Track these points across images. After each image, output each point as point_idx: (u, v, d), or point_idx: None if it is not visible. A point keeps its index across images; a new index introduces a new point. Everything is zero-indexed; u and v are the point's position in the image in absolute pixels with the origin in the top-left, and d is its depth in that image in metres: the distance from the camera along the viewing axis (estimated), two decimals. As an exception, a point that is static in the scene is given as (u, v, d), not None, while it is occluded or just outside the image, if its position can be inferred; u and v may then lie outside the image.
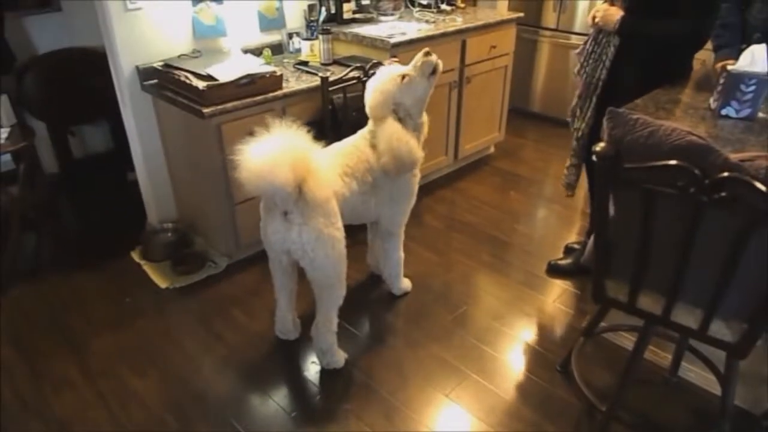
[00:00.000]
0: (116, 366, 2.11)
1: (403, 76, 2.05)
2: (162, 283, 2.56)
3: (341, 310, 2.01)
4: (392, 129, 2.03)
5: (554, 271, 2.66)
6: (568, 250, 2.76)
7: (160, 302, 2.46)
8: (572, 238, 2.93)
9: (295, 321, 2.20)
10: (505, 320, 2.35)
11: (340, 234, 1.87)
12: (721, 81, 1.74)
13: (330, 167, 1.95)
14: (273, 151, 1.65)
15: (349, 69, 2.55)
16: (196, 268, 2.64)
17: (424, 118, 2.19)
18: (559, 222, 3.10)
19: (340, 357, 2.08)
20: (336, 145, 2.14)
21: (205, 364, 2.12)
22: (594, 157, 1.22)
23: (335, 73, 2.64)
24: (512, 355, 2.18)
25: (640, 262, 1.35)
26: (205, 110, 2.22)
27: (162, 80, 2.49)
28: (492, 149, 3.92)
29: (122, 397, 1.98)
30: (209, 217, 2.66)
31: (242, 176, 1.67)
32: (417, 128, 2.15)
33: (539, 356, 2.16)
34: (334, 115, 2.61)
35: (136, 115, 2.64)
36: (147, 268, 2.68)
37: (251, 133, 2.30)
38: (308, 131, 1.77)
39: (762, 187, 1.06)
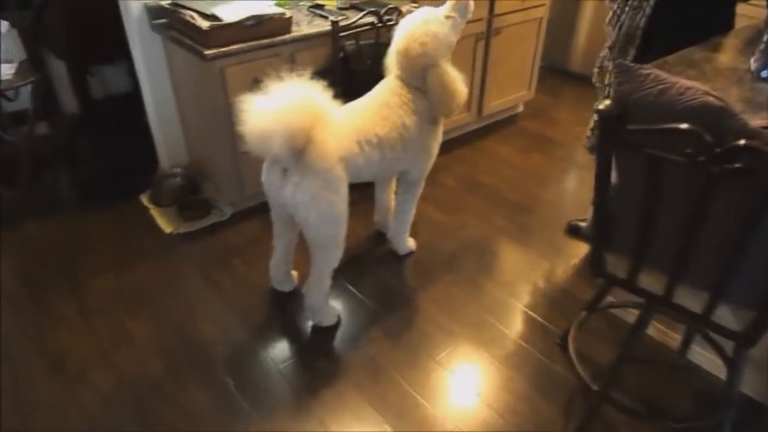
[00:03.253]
0: (113, 306, 2.13)
1: (449, 17, 1.94)
2: (167, 228, 2.55)
3: (340, 268, 1.95)
4: (455, 75, 1.96)
5: (573, 232, 2.54)
6: (573, 229, 2.63)
7: (163, 247, 2.45)
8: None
9: (289, 272, 2.16)
10: (514, 289, 2.25)
11: (338, 198, 1.78)
12: (765, 38, 1.53)
13: (347, 131, 1.83)
14: (275, 112, 1.57)
15: (362, 13, 2.40)
16: (202, 214, 2.61)
17: None
18: (583, 189, 2.92)
19: (331, 315, 2.04)
20: (360, 103, 1.98)
21: (199, 311, 2.12)
22: (595, 115, 1.08)
23: (350, 18, 2.49)
24: (514, 325, 2.08)
25: (641, 237, 1.22)
26: (207, 52, 2.13)
27: (170, 19, 2.41)
28: (521, 108, 3.72)
29: (115, 337, 2.00)
30: (216, 164, 2.61)
31: (244, 134, 1.60)
32: None
33: (542, 328, 2.06)
34: (346, 64, 2.48)
35: (146, 56, 2.58)
36: (154, 212, 2.67)
37: (256, 80, 2.25)
38: (322, 85, 1.67)
39: (784, 159, 0.91)
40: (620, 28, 2.04)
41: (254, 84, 2.26)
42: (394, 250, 2.40)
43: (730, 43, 1.86)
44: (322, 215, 1.77)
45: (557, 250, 2.47)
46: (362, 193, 2.19)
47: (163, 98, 2.71)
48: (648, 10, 1.93)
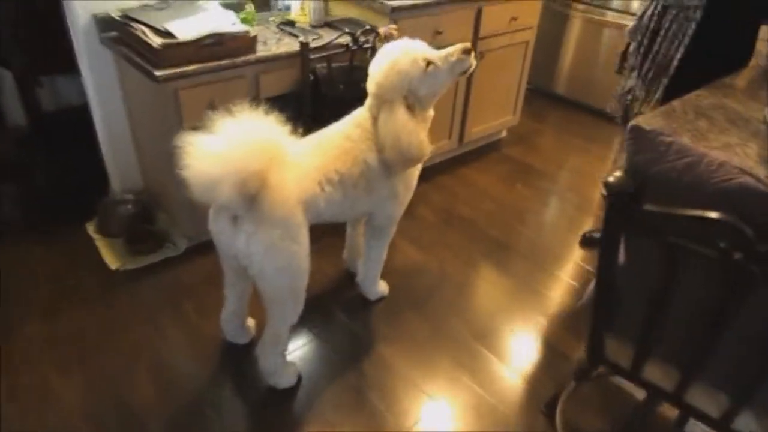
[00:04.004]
0: (40, 359, 1.86)
1: (429, 63, 1.69)
2: (113, 263, 2.29)
3: (303, 311, 1.71)
4: (401, 119, 1.68)
5: (589, 244, 2.47)
6: (588, 240, 2.54)
7: (106, 286, 2.19)
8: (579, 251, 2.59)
9: (244, 324, 1.92)
10: (489, 341, 2.04)
11: (299, 248, 1.56)
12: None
13: (306, 171, 1.61)
14: (223, 154, 1.34)
15: (336, 35, 2.18)
16: (153, 248, 2.35)
17: (431, 112, 1.84)
18: (568, 226, 2.75)
19: (290, 375, 1.80)
20: (322, 136, 1.76)
21: (139, 367, 1.86)
22: (604, 189, 0.88)
23: (323, 38, 2.28)
24: (490, 384, 1.87)
25: (651, 326, 1.02)
26: (158, 72, 1.89)
27: (121, 33, 2.16)
28: (504, 133, 3.54)
29: (38, 397, 1.73)
30: (171, 192, 2.36)
31: (187, 179, 1.36)
32: (424, 120, 1.80)
33: (524, 391, 1.86)
34: (316, 88, 2.26)
35: (94, 72, 2.32)
36: (100, 243, 2.41)
37: (212, 105, 2.01)
38: (279, 118, 1.44)
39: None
40: (653, 58, 1.98)
41: (210, 108, 2.04)
42: (364, 295, 2.18)
43: (739, 84, 1.69)
44: (281, 268, 1.55)
45: (539, 296, 2.27)
46: (330, 225, 1.97)
47: (115, 117, 2.45)
48: (686, 40, 1.87)
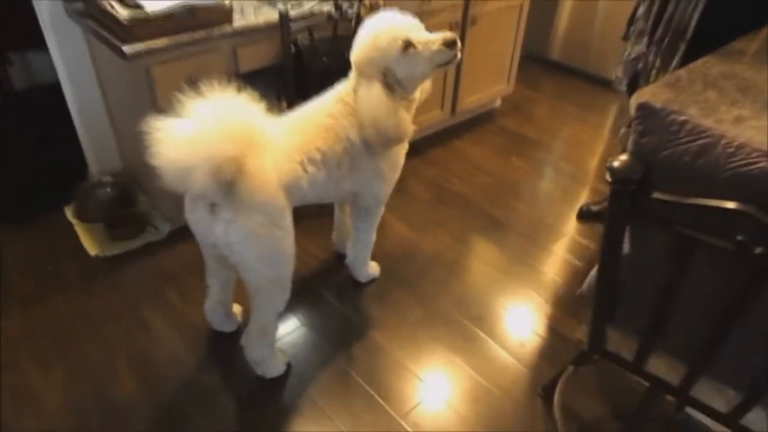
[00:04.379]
0: (18, 353, 1.79)
1: (408, 45, 1.54)
2: (92, 249, 2.20)
3: (291, 296, 1.64)
4: (377, 97, 1.56)
5: (587, 217, 2.40)
6: (586, 213, 2.46)
7: (87, 274, 2.10)
8: (575, 217, 2.51)
9: (229, 312, 1.85)
10: (484, 322, 1.98)
11: (283, 233, 1.47)
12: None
13: (287, 151, 1.50)
14: (195, 140, 1.24)
15: (318, 2, 2.05)
16: (134, 233, 2.26)
17: (417, 95, 1.71)
18: (564, 198, 2.66)
19: (278, 364, 1.74)
20: (302, 113, 1.65)
21: (122, 359, 1.79)
22: (608, 175, 0.79)
23: (304, 6, 2.14)
24: (484, 367, 1.82)
25: (656, 318, 0.95)
26: (127, 48, 1.77)
27: (87, 6, 2.02)
28: (498, 103, 3.42)
29: (17, 393, 1.67)
30: (151, 173, 2.25)
31: (158, 167, 1.27)
32: (407, 101, 1.67)
33: (521, 374, 1.81)
34: (298, 61, 2.14)
35: (62, 47, 2.19)
36: (79, 228, 2.31)
37: (191, 80, 1.89)
38: (255, 96, 1.34)
39: None
40: (667, 22, 1.81)
41: (189, 84, 1.92)
42: (354, 277, 2.11)
43: (751, 49, 1.58)
44: (263, 256, 1.46)
45: (535, 272, 2.21)
46: (317, 206, 1.88)
47: (88, 96, 2.33)
48: (701, 4, 1.71)
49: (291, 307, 1.79)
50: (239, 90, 1.33)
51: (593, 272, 1.07)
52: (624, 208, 0.81)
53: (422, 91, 1.73)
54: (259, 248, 1.43)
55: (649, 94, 0.92)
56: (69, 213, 2.39)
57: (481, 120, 3.26)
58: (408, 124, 1.65)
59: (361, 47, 1.57)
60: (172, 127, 1.26)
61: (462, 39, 2.77)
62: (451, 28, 2.67)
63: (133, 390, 1.70)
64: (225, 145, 1.26)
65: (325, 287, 2.10)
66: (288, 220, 1.50)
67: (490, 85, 3.16)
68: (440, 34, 1.56)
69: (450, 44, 1.54)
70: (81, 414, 1.63)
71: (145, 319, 1.93)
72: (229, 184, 1.31)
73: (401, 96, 1.63)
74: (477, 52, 2.89)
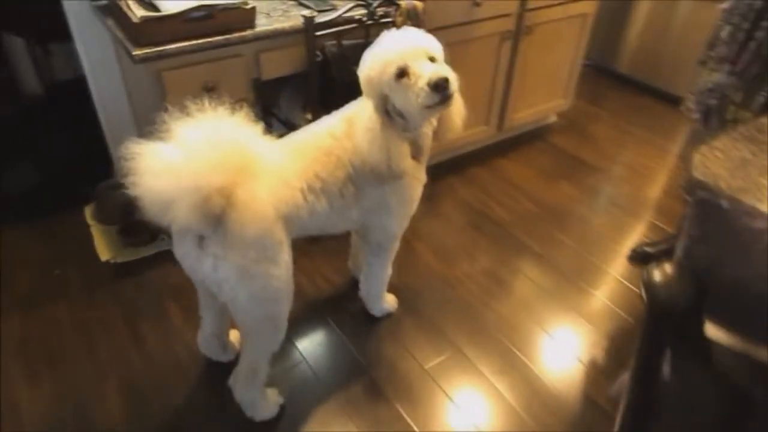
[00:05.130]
0: (11, 359, 1.73)
1: (402, 73, 1.31)
2: (103, 255, 2.12)
3: (294, 325, 1.48)
4: (368, 124, 1.37)
5: (640, 259, 2.17)
6: (639, 255, 2.20)
7: (92, 280, 2.03)
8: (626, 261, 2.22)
9: (225, 343, 1.71)
10: (509, 377, 1.75)
11: (278, 270, 1.31)
12: None
13: (285, 177, 1.32)
14: (179, 169, 1.10)
15: (346, 7, 1.86)
16: (146, 240, 2.17)
17: (426, 130, 1.49)
18: (616, 234, 2.36)
19: (270, 406, 1.58)
20: (305, 133, 1.48)
21: (111, 377, 1.69)
22: (643, 291, 0.56)
23: (338, 9, 1.96)
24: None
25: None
26: (136, 51, 1.65)
27: (110, 3, 1.92)
28: (553, 118, 3.14)
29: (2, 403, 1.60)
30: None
31: (138, 197, 1.13)
32: (414, 138, 1.47)
33: (542, 444, 1.57)
34: (325, 69, 1.97)
35: (86, 44, 2.12)
36: (95, 231, 2.25)
37: (210, 88, 1.77)
38: (251, 119, 1.19)
39: None
40: (757, 50, 1.50)
41: (206, 92, 1.79)
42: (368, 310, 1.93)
43: None
44: (257, 296, 1.31)
45: (575, 325, 1.95)
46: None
47: (113, 94, 2.25)
48: None
49: (295, 335, 1.66)
50: (231, 110, 1.18)
51: (625, 376, 0.84)
52: (662, 339, 0.58)
53: (448, 129, 1.51)
54: (251, 287, 1.28)
55: (714, 163, 0.67)
56: (88, 213, 2.33)
57: (531, 136, 2.99)
58: (404, 161, 1.42)
59: (362, 65, 1.39)
60: (154, 152, 1.12)
61: (514, 49, 2.53)
62: (502, 39, 2.43)
63: (116, 415, 1.60)
64: (213, 175, 1.11)
65: (335, 316, 1.93)
66: (286, 255, 1.34)
67: (545, 100, 2.89)
68: (430, 73, 1.28)
69: (435, 86, 1.27)
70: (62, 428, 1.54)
71: (141, 335, 1.83)
72: (217, 218, 1.15)
73: (403, 128, 1.42)
74: (531, 63, 2.63)
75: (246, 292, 1.29)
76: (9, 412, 1.58)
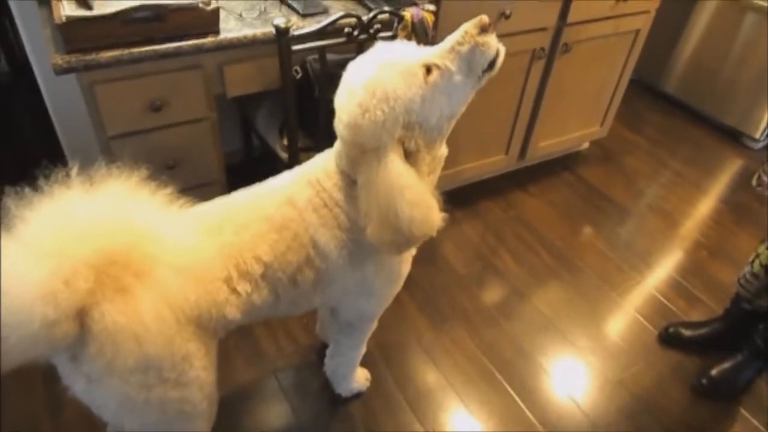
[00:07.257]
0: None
1: (430, 68, 0.98)
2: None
3: (238, 403, 1.17)
4: (396, 178, 0.98)
5: (673, 342, 1.83)
6: (671, 338, 1.84)
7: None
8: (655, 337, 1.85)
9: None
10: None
11: (187, 392, 0.98)
12: None
13: (200, 263, 0.94)
14: (24, 272, 0.77)
15: (334, 17, 1.48)
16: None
17: (444, 150, 1.13)
18: (647, 307, 1.98)
19: None
20: (246, 196, 1.11)
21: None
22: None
23: (330, 16, 1.58)
24: None
25: None
26: (57, 58, 1.30)
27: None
28: (585, 145, 2.73)
29: None
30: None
31: None
32: (432, 169, 1.11)
33: None
34: (308, 86, 1.60)
35: (30, 31, 1.76)
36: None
37: (159, 107, 1.42)
38: (144, 180, 0.86)
39: None
40: None
41: (153, 110, 1.44)
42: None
43: None
44: (150, 425, 0.98)
45: (581, 411, 1.59)
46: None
47: (65, 95, 1.91)
48: None
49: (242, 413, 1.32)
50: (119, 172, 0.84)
51: None
52: None
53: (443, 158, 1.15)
54: (142, 418, 0.95)
55: None
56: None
57: (557, 165, 2.59)
58: (437, 215, 1.05)
59: (355, 110, 0.98)
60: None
61: (547, 68, 2.12)
62: (534, 58, 2.02)
63: None
64: (74, 275, 0.77)
65: (295, 393, 1.60)
66: (198, 370, 0.99)
67: (578, 128, 2.48)
68: (461, 29, 0.99)
69: (481, 29, 0.99)
70: None
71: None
72: (77, 339, 0.82)
73: (426, 163, 1.07)
74: (566, 85, 2.22)
75: (135, 423, 0.97)
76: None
